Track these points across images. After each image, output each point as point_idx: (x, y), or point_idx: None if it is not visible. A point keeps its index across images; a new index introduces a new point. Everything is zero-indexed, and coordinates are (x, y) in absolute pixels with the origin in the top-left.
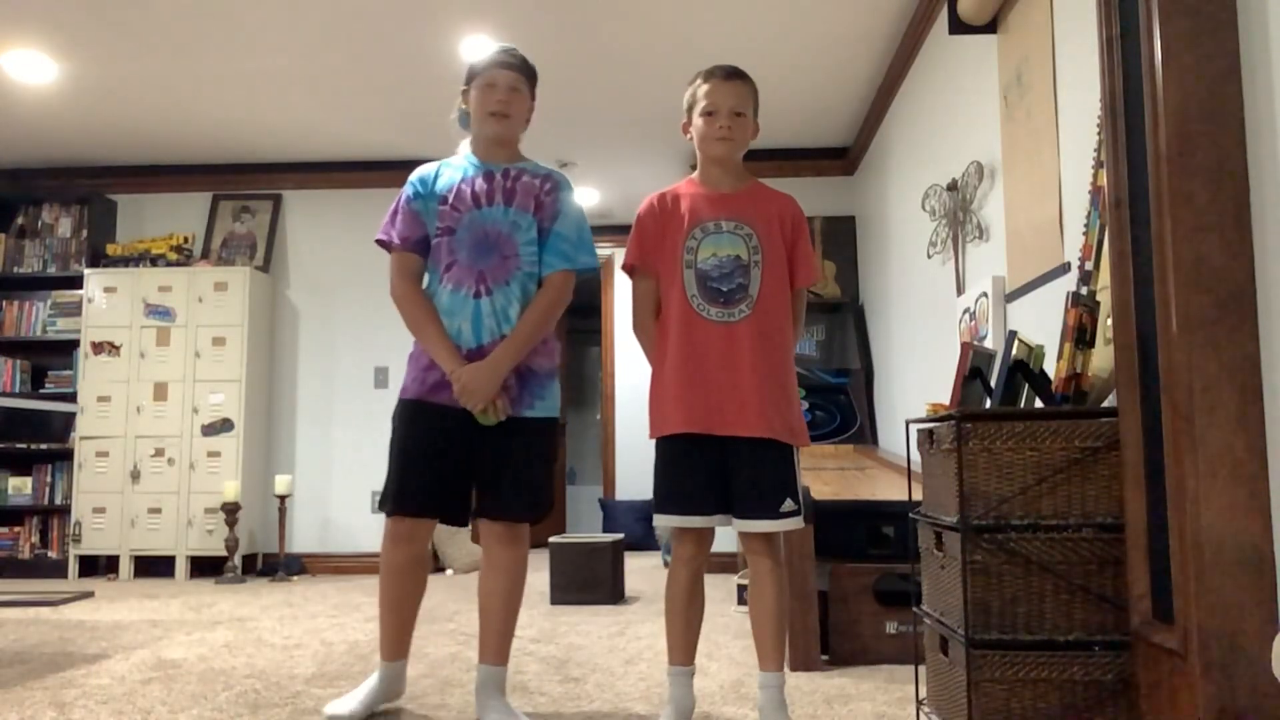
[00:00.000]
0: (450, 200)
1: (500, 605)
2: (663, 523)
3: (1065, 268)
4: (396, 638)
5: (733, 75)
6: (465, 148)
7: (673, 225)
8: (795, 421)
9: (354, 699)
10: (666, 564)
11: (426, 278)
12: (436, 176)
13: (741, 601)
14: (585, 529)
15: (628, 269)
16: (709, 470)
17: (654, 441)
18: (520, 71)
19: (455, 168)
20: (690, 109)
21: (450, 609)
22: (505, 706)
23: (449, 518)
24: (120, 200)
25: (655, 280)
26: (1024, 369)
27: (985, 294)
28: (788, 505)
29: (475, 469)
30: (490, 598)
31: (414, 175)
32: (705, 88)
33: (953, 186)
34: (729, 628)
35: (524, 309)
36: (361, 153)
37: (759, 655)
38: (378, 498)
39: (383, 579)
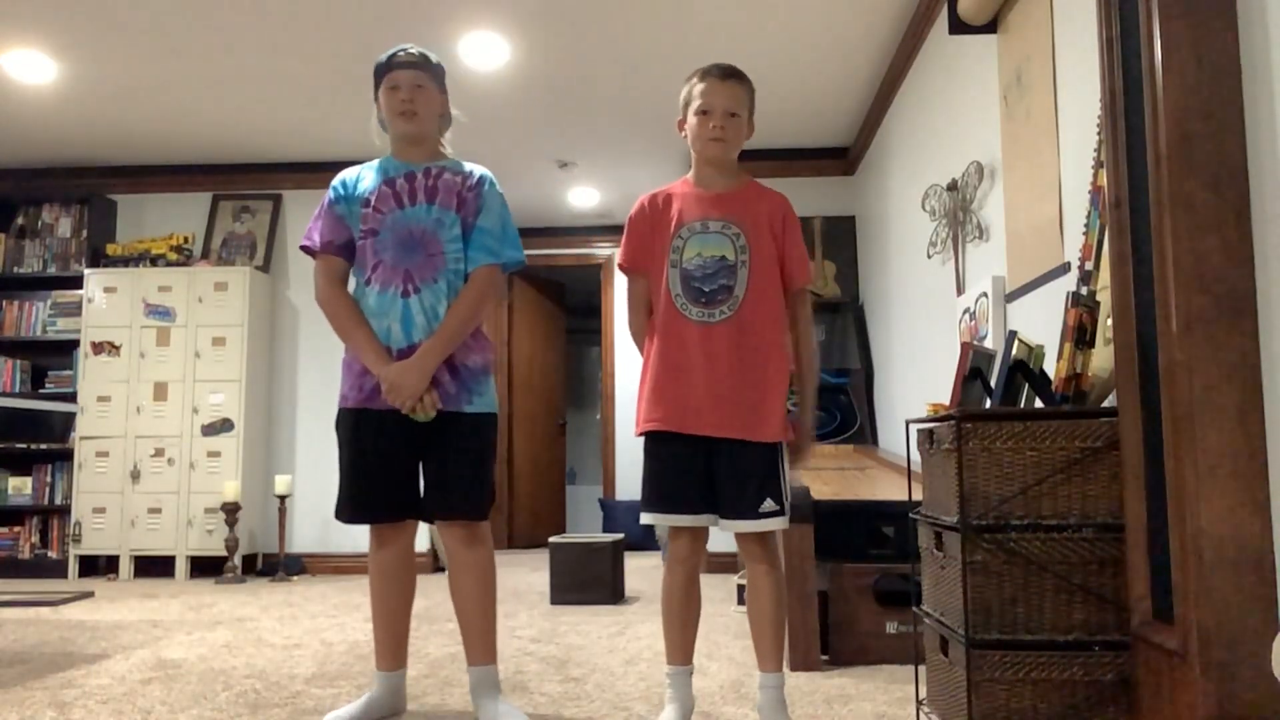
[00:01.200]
0: (372, 202)
1: (476, 606)
2: (649, 520)
3: (1065, 268)
4: (391, 643)
5: (729, 75)
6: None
7: (662, 225)
8: (776, 418)
9: (354, 708)
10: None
11: (353, 281)
12: (358, 180)
13: (741, 601)
14: (585, 529)
15: (623, 270)
16: (695, 470)
17: (642, 439)
18: (422, 68)
19: (376, 169)
20: (685, 107)
21: (449, 609)
22: (501, 704)
23: (408, 515)
24: (120, 200)
25: (647, 280)
26: (1024, 369)
27: (985, 294)
28: (768, 505)
29: (423, 466)
30: (464, 601)
31: (336, 179)
32: (701, 87)
33: (953, 186)
34: (728, 628)
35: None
36: (361, 153)
37: (758, 656)
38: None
39: (371, 583)
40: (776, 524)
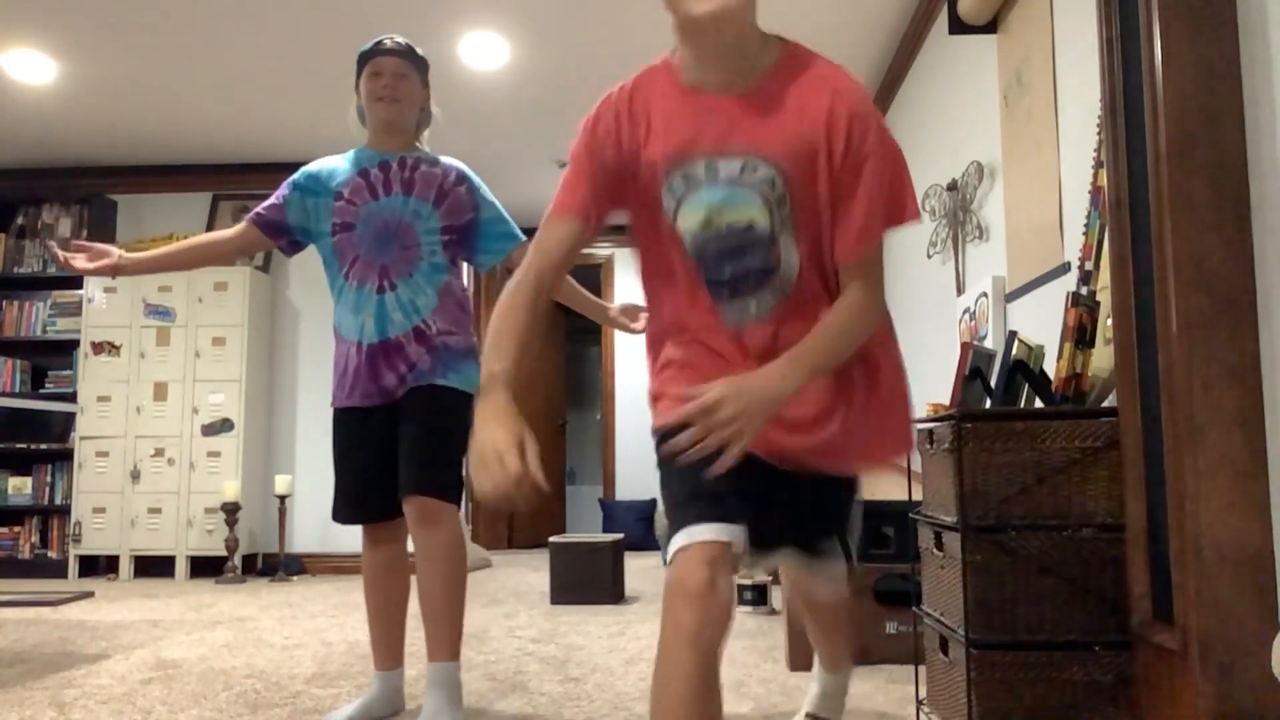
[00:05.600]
0: (345, 194)
1: (436, 596)
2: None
3: (1065, 268)
4: (387, 642)
5: None
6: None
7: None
8: None
9: (353, 708)
10: (667, 564)
11: (330, 279)
12: (332, 173)
13: (742, 601)
14: (585, 529)
15: None
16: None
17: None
18: (406, 58)
19: (350, 160)
20: None
21: None
22: (444, 708)
23: (399, 513)
24: (120, 200)
25: None
26: (1024, 369)
27: (985, 294)
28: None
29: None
30: (422, 590)
31: (308, 167)
32: None
33: (953, 186)
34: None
35: (438, 297)
36: None
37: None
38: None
39: (365, 583)
40: None
